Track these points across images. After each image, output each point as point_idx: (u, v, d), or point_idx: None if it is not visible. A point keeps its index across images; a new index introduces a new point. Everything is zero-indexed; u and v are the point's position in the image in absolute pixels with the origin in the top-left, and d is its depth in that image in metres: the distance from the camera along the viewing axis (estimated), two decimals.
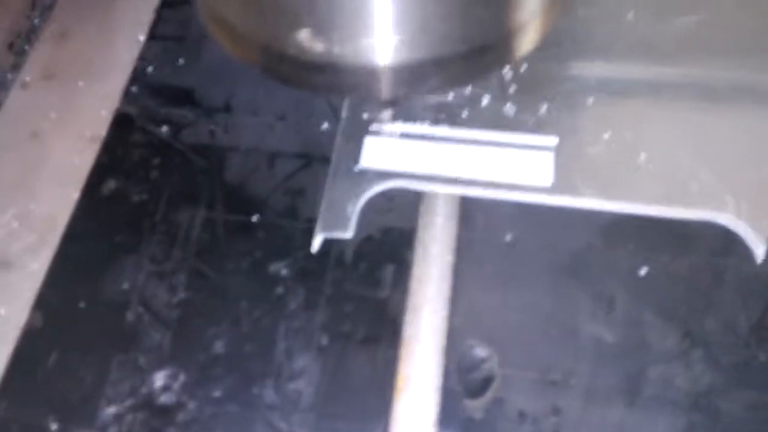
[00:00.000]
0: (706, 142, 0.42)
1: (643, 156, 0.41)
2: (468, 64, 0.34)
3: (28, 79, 0.49)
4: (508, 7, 0.32)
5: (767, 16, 0.46)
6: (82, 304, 0.39)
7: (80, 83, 0.48)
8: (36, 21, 0.52)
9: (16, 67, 0.50)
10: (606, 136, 0.42)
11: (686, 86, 0.43)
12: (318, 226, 0.40)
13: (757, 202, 0.39)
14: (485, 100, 0.44)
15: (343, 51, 0.32)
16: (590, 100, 0.43)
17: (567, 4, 0.36)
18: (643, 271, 0.38)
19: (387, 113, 0.43)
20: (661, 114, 0.43)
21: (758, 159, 0.41)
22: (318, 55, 0.32)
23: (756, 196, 0.39)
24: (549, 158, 0.42)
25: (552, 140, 0.42)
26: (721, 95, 0.43)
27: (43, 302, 0.39)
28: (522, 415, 0.35)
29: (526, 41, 0.35)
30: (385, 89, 0.35)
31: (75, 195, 0.43)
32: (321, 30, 0.32)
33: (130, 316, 0.38)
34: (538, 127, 0.43)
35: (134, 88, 0.47)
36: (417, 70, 0.33)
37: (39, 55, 0.50)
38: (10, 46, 0.50)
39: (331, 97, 0.43)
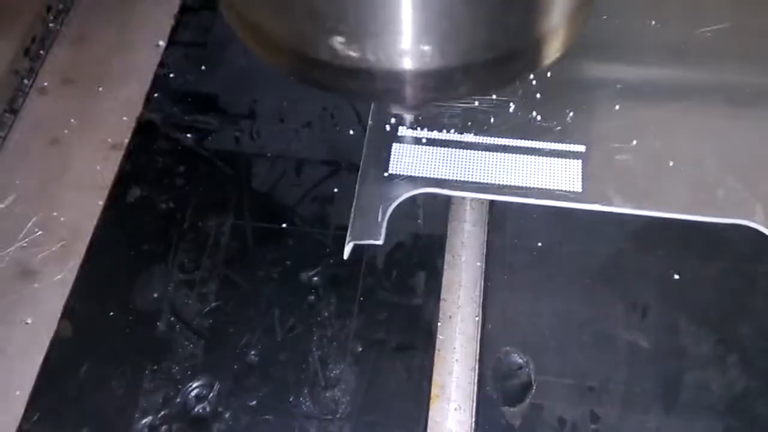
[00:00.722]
0: (733, 149, 0.42)
1: (671, 163, 0.42)
2: (496, 71, 0.34)
3: (46, 84, 0.48)
4: (535, 14, 0.33)
5: None
6: (111, 314, 0.38)
7: (99, 89, 0.47)
8: (51, 25, 0.51)
9: (32, 72, 0.49)
10: (634, 143, 0.42)
11: (713, 92, 0.44)
12: (349, 233, 0.40)
13: None
14: (512, 107, 0.44)
15: (375, 57, 0.32)
16: (616, 107, 0.43)
17: (590, 11, 0.36)
18: (675, 277, 0.38)
19: (410, 117, 0.43)
20: (688, 121, 0.43)
21: None
22: (350, 61, 0.33)
23: None
24: (577, 165, 0.42)
25: (579, 147, 0.43)
26: (747, 101, 0.43)
27: (71, 312, 0.38)
28: (561, 421, 0.35)
29: (554, 48, 0.35)
30: (415, 95, 0.35)
31: (99, 203, 0.42)
32: (354, 37, 0.32)
33: (161, 325, 0.38)
34: (565, 134, 0.43)
35: (156, 95, 0.46)
36: (447, 77, 0.33)
37: (56, 60, 0.49)
38: (26, 51, 0.50)
39: (360, 101, 0.43)
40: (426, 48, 0.32)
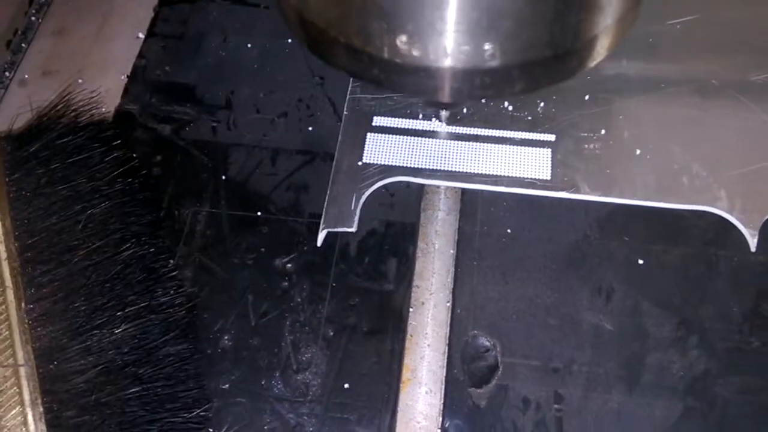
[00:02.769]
0: (698, 138, 0.43)
1: (638, 151, 0.43)
2: (552, 69, 0.36)
3: (26, 76, 0.49)
4: (591, 15, 0.34)
5: (757, 17, 0.48)
6: None
7: (80, 80, 0.48)
8: (33, 18, 0.52)
9: (13, 65, 0.50)
10: (602, 132, 0.43)
11: (680, 83, 0.45)
12: (322, 221, 0.41)
13: (748, 195, 0.41)
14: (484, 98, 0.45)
15: (437, 56, 0.33)
16: (586, 98, 0.44)
17: (637, 15, 0.38)
18: (639, 261, 0.39)
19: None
20: (656, 110, 0.44)
21: (749, 153, 0.42)
22: (413, 59, 0.34)
23: (747, 190, 0.41)
24: (547, 154, 0.43)
25: (549, 136, 0.43)
26: (713, 92, 0.44)
27: None
28: (526, 401, 0.36)
29: (604, 47, 0.37)
30: (472, 92, 0.36)
31: None
32: (418, 36, 0.33)
33: None
34: (535, 124, 0.44)
35: (135, 86, 0.47)
36: (505, 75, 0.35)
37: (37, 52, 0.50)
38: (8, 43, 0.50)
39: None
40: (488, 46, 0.33)
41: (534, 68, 0.35)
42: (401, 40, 0.33)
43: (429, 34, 0.33)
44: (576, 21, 0.33)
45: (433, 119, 0.44)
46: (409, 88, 0.36)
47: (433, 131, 0.44)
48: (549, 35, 0.33)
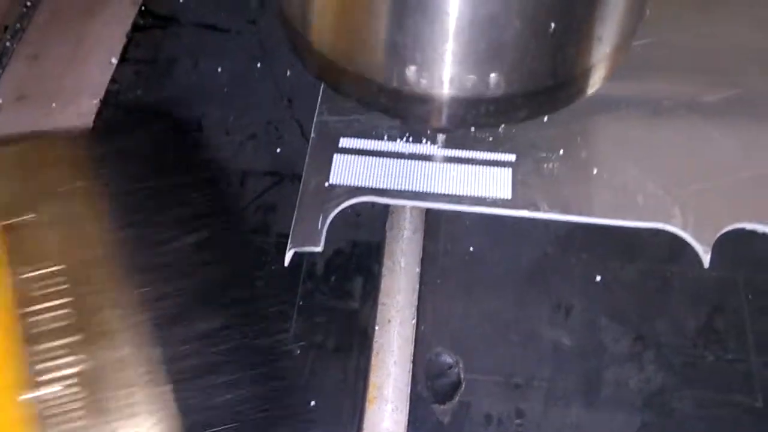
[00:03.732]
0: (653, 157, 0.44)
1: (595, 170, 0.44)
2: (553, 97, 0.38)
3: (0, 101, 0.49)
4: (591, 45, 0.36)
5: (709, 39, 0.50)
6: None
7: (53, 104, 0.49)
8: (8, 44, 0.53)
9: None
10: (561, 152, 0.45)
11: (635, 104, 0.46)
12: (290, 241, 0.42)
13: (701, 213, 0.42)
14: None
15: (444, 85, 0.35)
16: (545, 119, 0.46)
17: (631, 44, 0.40)
18: (597, 278, 0.40)
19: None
20: (613, 131, 0.46)
21: (702, 172, 0.44)
22: (421, 89, 0.35)
23: (700, 207, 0.42)
24: (507, 173, 0.44)
25: (510, 156, 0.45)
26: (668, 112, 0.46)
27: None
28: (488, 417, 0.37)
29: (602, 75, 0.39)
30: (477, 120, 0.38)
31: None
32: (427, 67, 0.34)
33: None
34: (497, 145, 0.45)
35: (107, 110, 0.48)
36: (510, 103, 0.37)
37: (11, 77, 0.51)
38: None
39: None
40: (493, 76, 0.34)
41: (536, 96, 0.37)
42: (410, 70, 0.35)
43: (436, 64, 0.34)
44: (576, 52, 0.35)
45: (398, 140, 0.45)
46: (417, 116, 0.38)
47: (398, 152, 0.45)
48: (550, 65, 0.35)
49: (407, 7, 0.32)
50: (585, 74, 0.38)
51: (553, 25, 0.33)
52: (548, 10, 0.33)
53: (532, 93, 0.37)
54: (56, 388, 0.32)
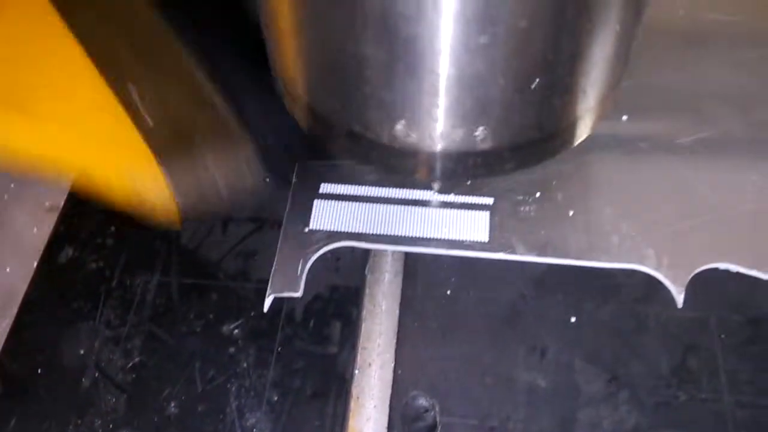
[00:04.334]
0: (628, 199, 0.45)
1: (570, 212, 0.45)
2: (540, 149, 0.39)
3: None
4: (576, 98, 0.37)
5: (685, 81, 0.51)
6: (39, 371, 0.40)
7: None
8: None
9: None
10: (537, 195, 0.46)
11: (610, 147, 0.47)
12: (269, 287, 0.42)
13: (674, 254, 0.43)
14: None
15: (433, 140, 0.36)
16: None
17: (618, 96, 0.41)
18: (572, 319, 0.41)
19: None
20: (587, 173, 0.46)
21: (676, 213, 0.44)
22: (410, 144, 0.36)
23: (674, 248, 0.43)
24: (485, 217, 0.45)
25: (487, 200, 0.46)
26: (642, 155, 0.47)
27: (1, 371, 0.40)
28: None
29: (587, 127, 0.40)
30: (466, 172, 0.39)
31: (34, 264, 0.44)
32: (415, 123, 0.36)
33: (86, 381, 0.40)
34: (474, 188, 0.46)
35: None
36: (497, 156, 0.38)
37: None
38: None
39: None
40: (480, 131, 0.36)
41: (523, 149, 0.38)
42: (399, 126, 0.36)
43: (425, 120, 0.36)
44: (560, 105, 0.36)
45: (377, 186, 0.46)
46: (407, 170, 0.39)
47: (377, 197, 0.46)
48: (536, 119, 0.36)
49: (395, 66, 0.33)
50: (571, 126, 0.39)
51: (536, 81, 0.34)
52: (531, 67, 0.34)
53: (520, 146, 0.38)
54: None
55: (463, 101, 0.35)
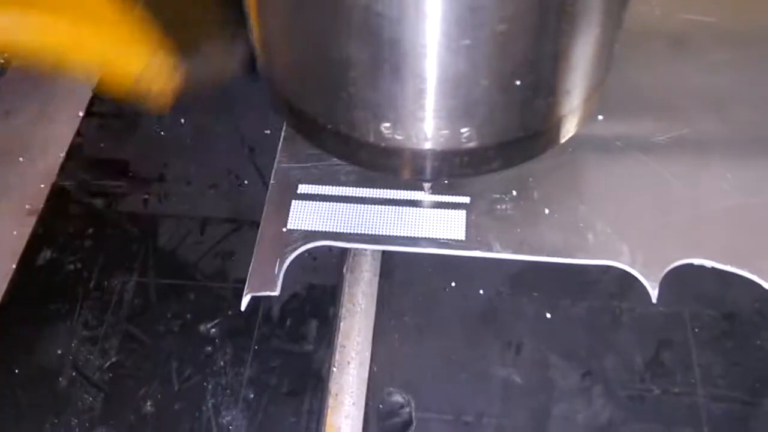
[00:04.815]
0: (603, 196, 0.46)
1: (546, 210, 0.45)
2: (525, 148, 0.39)
3: None
4: (560, 98, 0.38)
5: (661, 81, 0.51)
6: (16, 371, 0.40)
7: (21, 158, 0.50)
8: None
9: None
10: (513, 193, 0.46)
11: (587, 145, 0.47)
12: (247, 286, 0.43)
13: (649, 250, 0.43)
14: None
15: (418, 140, 0.36)
16: None
17: (601, 96, 0.42)
18: (548, 315, 0.41)
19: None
20: (563, 172, 0.47)
21: (650, 210, 0.45)
22: (396, 144, 0.37)
23: (648, 244, 0.43)
24: (461, 215, 0.45)
25: (464, 198, 0.46)
26: (618, 153, 0.47)
27: None
28: None
29: (572, 126, 0.41)
30: (451, 171, 0.39)
31: (12, 266, 0.44)
32: (401, 123, 0.36)
33: (63, 380, 0.40)
34: (451, 187, 0.46)
35: (71, 163, 0.49)
36: (482, 155, 0.38)
37: None
38: None
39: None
40: (464, 130, 0.36)
41: (508, 148, 0.38)
42: (385, 126, 0.36)
43: (410, 120, 0.36)
44: (544, 105, 0.37)
45: (355, 186, 0.47)
46: (394, 169, 0.39)
47: (355, 197, 0.46)
48: (520, 119, 0.37)
49: (379, 68, 0.34)
50: (556, 125, 0.40)
51: (518, 82, 0.35)
52: (514, 68, 0.34)
53: (505, 145, 0.38)
54: None
55: (448, 102, 0.35)
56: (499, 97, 0.35)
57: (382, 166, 0.40)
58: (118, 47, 0.40)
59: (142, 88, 0.41)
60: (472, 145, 0.37)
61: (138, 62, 0.40)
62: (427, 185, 0.46)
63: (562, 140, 0.41)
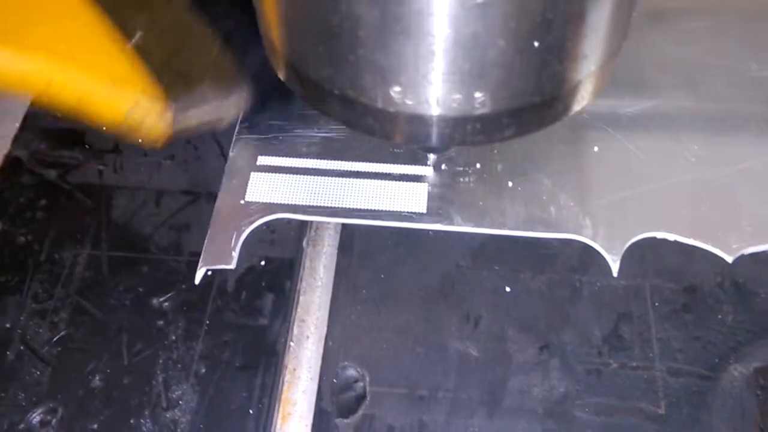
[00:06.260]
0: (567, 169, 0.45)
1: (510, 183, 0.44)
2: (540, 114, 0.38)
3: None
4: (576, 62, 0.36)
5: (626, 54, 0.50)
6: None
7: None
8: None
9: None
10: (477, 166, 0.45)
11: None
12: (201, 259, 0.42)
13: (611, 223, 0.42)
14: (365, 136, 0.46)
15: (430, 105, 0.35)
16: None
17: (616, 59, 0.40)
18: (507, 289, 0.40)
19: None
20: (528, 144, 0.46)
21: (614, 183, 0.44)
22: (407, 109, 0.35)
23: (610, 218, 0.42)
24: (423, 188, 0.44)
25: (427, 170, 0.45)
26: (583, 125, 0.47)
27: None
28: (390, 429, 0.36)
29: (588, 93, 0.39)
30: (464, 138, 0.38)
31: None
32: (411, 87, 0.34)
33: (10, 354, 0.39)
34: (414, 159, 0.45)
35: (25, 133, 0.48)
36: (496, 121, 0.37)
37: None
38: None
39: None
40: (478, 95, 0.34)
41: (522, 114, 0.37)
42: (394, 90, 0.34)
43: (421, 84, 0.34)
44: (561, 69, 0.35)
45: (316, 158, 0.46)
46: (403, 136, 0.38)
47: (315, 169, 0.45)
48: (536, 83, 0.35)
49: (390, 28, 0.32)
50: (572, 91, 0.38)
51: (536, 44, 0.33)
52: (531, 29, 0.32)
53: (519, 111, 0.37)
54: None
55: (461, 64, 0.33)
56: (516, 60, 0.33)
57: (390, 133, 0.38)
58: (107, 83, 0.39)
59: (131, 127, 0.39)
60: (485, 111, 0.36)
61: (127, 101, 0.39)
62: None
63: (578, 108, 0.40)
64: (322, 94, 0.37)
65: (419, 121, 0.36)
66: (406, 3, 0.31)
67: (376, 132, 0.38)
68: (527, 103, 0.36)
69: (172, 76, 0.40)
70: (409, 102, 0.35)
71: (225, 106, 0.42)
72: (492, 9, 0.31)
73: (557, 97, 0.37)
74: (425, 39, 0.32)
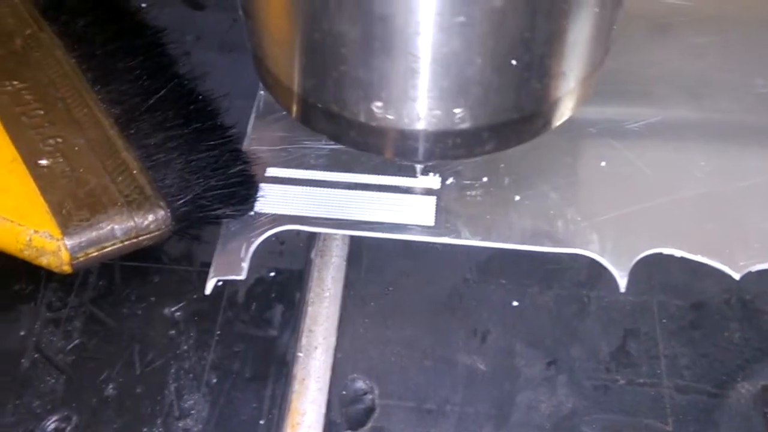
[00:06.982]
0: (574, 184, 0.45)
1: (517, 197, 0.45)
2: (519, 130, 0.39)
3: None
4: (556, 79, 0.37)
5: (633, 65, 0.51)
6: None
7: None
8: None
9: None
10: (484, 179, 0.45)
11: (559, 132, 0.47)
12: (212, 270, 0.42)
13: (618, 238, 0.43)
14: None
15: (410, 120, 0.36)
16: None
17: (597, 73, 0.41)
18: (514, 303, 0.41)
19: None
20: (535, 158, 0.46)
21: (621, 198, 0.44)
22: (388, 124, 0.36)
23: (618, 233, 0.43)
24: (431, 201, 0.45)
25: (435, 184, 0.45)
26: (590, 139, 0.47)
27: None
28: None
29: (569, 108, 0.40)
30: (444, 153, 0.39)
31: None
32: (392, 103, 0.35)
33: (25, 362, 0.39)
34: (422, 172, 0.46)
35: None
36: (476, 136, 0.37)
37: None
38: None
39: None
40: (457, 111, 0.35)
41: (503, 129, 0.37)
42: (376, 105, 0.35)
43: (402, 100, 0.35)
44: (540, 86, 0.36)
45: (324, 170, 0.46)
46: (385, 150, 0.39)
47: (324, 181, 0.46)
48: (515, 99, 0.36)
49: (371, 45, 0.33)
50: (551, 107, 0.39)
51: (514, 62, 0.34)
52: (509, 48, 0.33)
53: (499, 126, 0.37)
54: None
55: (441, 81, 0.34)
56: (494, 77, 0.34)
57: (372, 146, 0.39)
58: (1, 217, 0.38)
59: (31, 259, 0.39)
60: (465, 126, 0.37)
61: (21, 238, 0.38)
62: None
63: (558, 123, 0.41)
64: (307, 107, 0.38)
65: (401, 135, 0.37)
66: (387, 22, 0.32)
67: (360, 145, 0.39)
68: (507, 119, 0.37)
69: (72, 208, 0.39)
70: (390, 117, 0.36)
71: (139, 230, 0.40)
72: (470, 28, 0.32)
73: (537, 112, 0.38)
74: (405, 57, 0.33)
